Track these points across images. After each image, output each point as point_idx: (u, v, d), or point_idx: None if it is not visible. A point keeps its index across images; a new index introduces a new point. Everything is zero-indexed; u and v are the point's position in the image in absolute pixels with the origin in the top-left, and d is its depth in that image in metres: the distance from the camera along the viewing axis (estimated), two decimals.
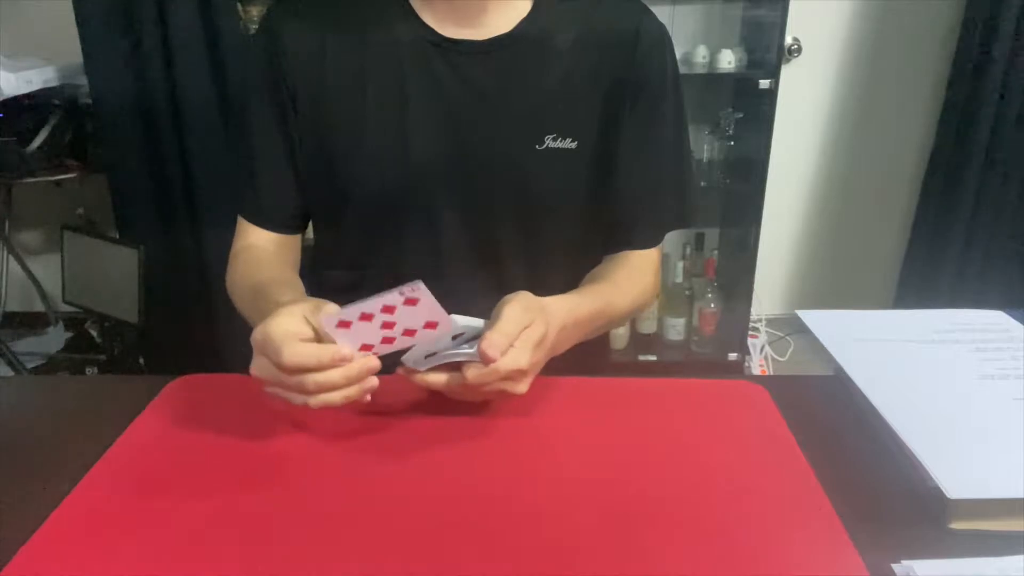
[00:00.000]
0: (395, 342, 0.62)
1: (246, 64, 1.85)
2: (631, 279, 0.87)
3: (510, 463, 0.62)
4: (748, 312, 2.33)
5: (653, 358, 2.36)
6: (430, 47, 0.82)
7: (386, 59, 0.82)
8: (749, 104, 2.18)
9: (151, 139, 1.99)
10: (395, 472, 0.60)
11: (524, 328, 0.64)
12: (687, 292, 2.37)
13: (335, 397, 0.59)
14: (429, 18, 0.82)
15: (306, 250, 0.95)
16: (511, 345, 0.62)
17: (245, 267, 0.86)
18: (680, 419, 0.68)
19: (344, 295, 0.90)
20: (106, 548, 0.52)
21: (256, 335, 0.61)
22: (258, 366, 0.61)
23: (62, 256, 2.12)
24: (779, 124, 2.07)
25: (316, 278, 0.96)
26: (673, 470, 0.60)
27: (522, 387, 0.65)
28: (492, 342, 0.61)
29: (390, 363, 0.64)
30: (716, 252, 2.39)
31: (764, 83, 2.02)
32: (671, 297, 2.36)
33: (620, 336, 2.38)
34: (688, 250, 2.39)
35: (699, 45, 2.17)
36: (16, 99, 1.90)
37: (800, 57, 2.30)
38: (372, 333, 0.60)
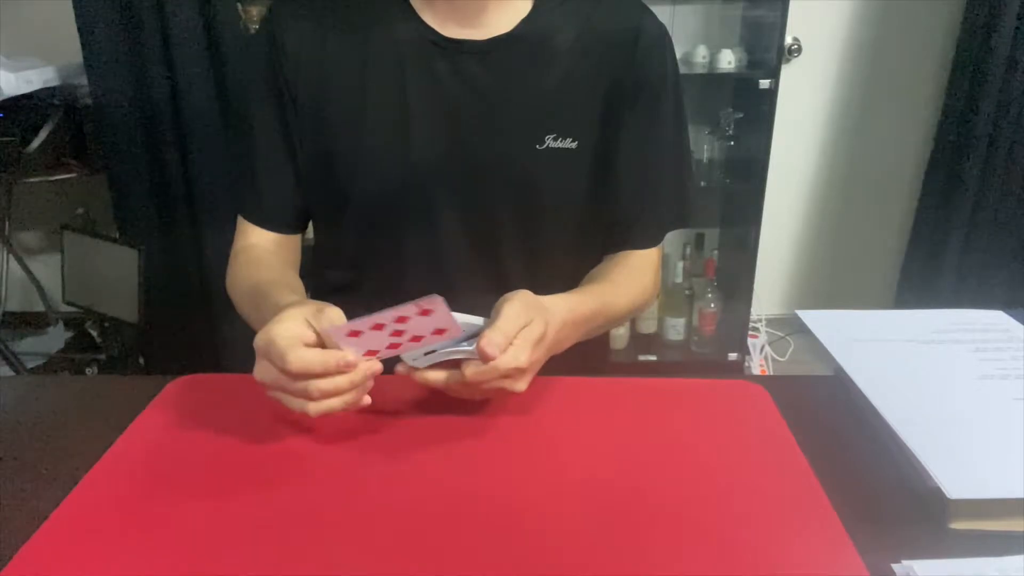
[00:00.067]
0: (401, 347, 0.62)
1: (246, 64, 1.85)
2: (631, 279, 0.88)
3: (510, 463, 0.62)
4: (748, 312, 2.33)
5: (653, 358, 2.36)
6: (430, 47, 0.82)
7: (386, 59, 0.82)
8: (749, 104, 2.18)
9: (151, 139, 1.99)
10: (395, 471, 0.60)
11: (523, 327, 0.64)
12: (687, 292, 2.37)
13: (336, 403, 0.59)
14: (429, 18, 0.82)
15: (306, 250, 0.95)
16: (510, 343, 0.62)
17: (245, 267, 0.86)
18: (680, 419, 0.68)
19: (344, 295, 0.91)
20: (106, 548, 0.52)
21: (259, 340, 0.60)
22: (261, 371, 0.61)
23: (62, 256, 2.12)
24: (779, 124, 2.07)
25: (316, 278, 0.96)
26: (673, 470, 0.60)
27: (521, 385, 0.65)
28: (491, 340, 0.61)
29: (390, 363, 0.64)
30: (716, 252, 2.39)
31: (764, 83, 2.02)
32: (671, 297, 2.36)
33: (620, 336, 2.38)
34: (688, 250, 2.39)
35: (699, 45, 2.17)
36: (16, 99, 1.90)
37: (800, 57, 2.30)
38: (380, 340, 0.61)
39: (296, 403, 0.60)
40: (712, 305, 2.35)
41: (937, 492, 0.53)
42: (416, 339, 0.62)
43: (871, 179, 2.48)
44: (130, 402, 0.70)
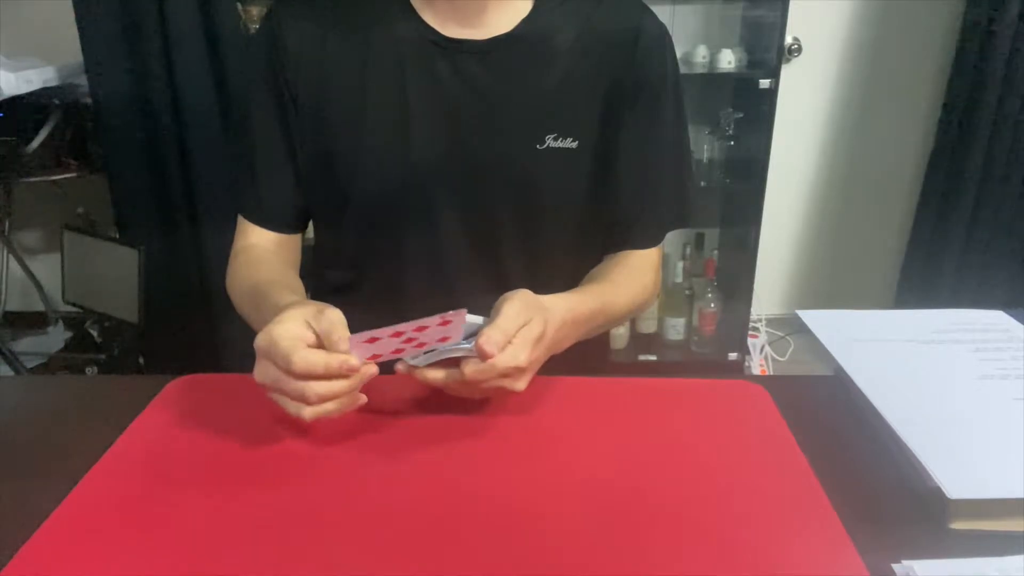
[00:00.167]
0: (404, 352, 0.62)
1: (246, 64, 1.85)
2: (631, 278, 0.88)
3: (510, 462, 0.62)
4: (748, 312, 2.33)
5: (653, 358, 2.36)
6: (431, 46, 0.82)
7: (387, 58, 0.82)
8: (749, 104, 2.18)
9: (151, 139, 1.99)
10: (395, 471, 0.60)
11: (522, 325, 0.64)
12: (687, 292, 2.37)
13: (331, 407, 0.59)
14: (430, 17, 0.82)
15: (306, 250, 0.95)
16: (508, 342, 0.62)
17: (245, 267, 0.86)
18: (680, 419, 0.68)
19: (344, 295, 0.91)
20: (106, 548, 0.52)
21: (260, 341, 0.60)
22: (260, 371, 0.61)
23: (62, 256, 2.12)
24: (779, 124, 2.07)
25: (316, 278, 0.96)
26: (673, 470, 0.60)
27: (520, 385, 0.65)
28: (489, 338, 0.61)
29: (390, 362, 0.64)
30: (716, 252, 2.39)
31: (764, 83, 2.02)
32: (671, 297, 2.36)
33: (620, 336, 2.38)
34: (688, 250, 2.39)
35: (699, 45, 2.17)
36: (16, 99, 1.90)
37: (800, 57, 2.30)
38: (389, 345, 0.61)
39: (292, 406, 0.59)
40: (712, 305, 2.35)
41: (937, 492, 0.53)
42: (421, 344, 0.62)
43: (871, 179, 2.48)
44: (130, 402, 0.70)
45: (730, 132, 2.28)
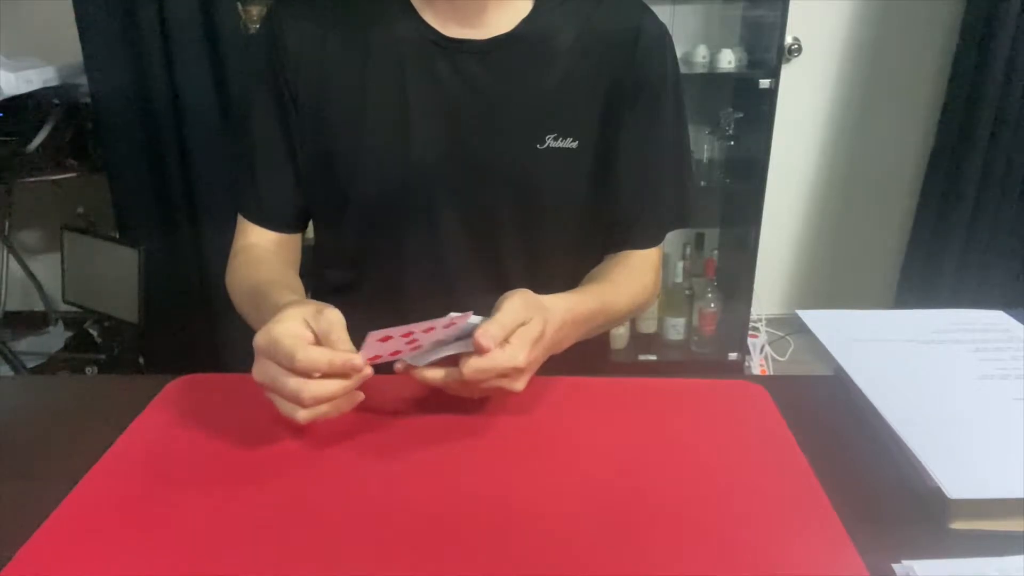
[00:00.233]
0: (402, 353, 0.62)
1: (246, 64, 1.85)
2: (631, 278, 0.88)
3: (510, 462, 0.61)
4: (748, 312, 2.33)
5: (653, 358, 2.36)
6: (431, 46, 0.82)
7: (387, 58, 0.82)
8: (749, 104, 2.18)
9: (151, 139, 1.99)
10: (395, 471, 0.60)
11: (522, 323, 0.64)
12: (687, 292, 2.37)
13: (326, 409, 0.59)
14: (430, 17, 0.82)
15: (306, 250, 0.95)
16: (506, 338, 0.62)
17: (245, 267, 0.86)
18: (680, 419, 0.68)
19: (344, 295, 0.91)
20: (106, 548, 0.52)
21: (260, 339, 0.60)
22: (259, 370, 0.60)
23: (62, 256, 2.12)
24: (779, 124, 2.07)
25: (316, 278, 0.96)
26: (673, 470, 0.60)
27: (519, 385, 0.65)
28: (486, 331, 0.61)
29: (388, 362, 0.64)
30: (716, 252, 2.39)
31: (764, 83, 2.03)
32: (671, 297, 2.36)
33: (620, 336, 2.38)
34: (688, 250, 2.39)
35: (699, 45, 2.17)
36: (16, 99, 1.90)
37: (800, 57, 2.30)
38: (397, 345, 0.61)
39: (287, 407, 0.59)
40: (712, 305, 2.35)
41: (937, 492, 0.53)
42: (416, 347, 0.62)
43: (871, 179, 2.48)
44: (130, 402, 0.70)
45: (730, 132, 2.28)
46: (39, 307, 2.49)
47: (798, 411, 0.68)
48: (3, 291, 2.38)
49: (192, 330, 2.11)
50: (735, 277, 2.34)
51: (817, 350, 0.73)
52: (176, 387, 0.73)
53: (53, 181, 2.02)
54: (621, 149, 0.86)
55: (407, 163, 0.82)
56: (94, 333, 2.30)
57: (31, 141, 1.91)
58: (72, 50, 1.91)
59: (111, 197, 2.05)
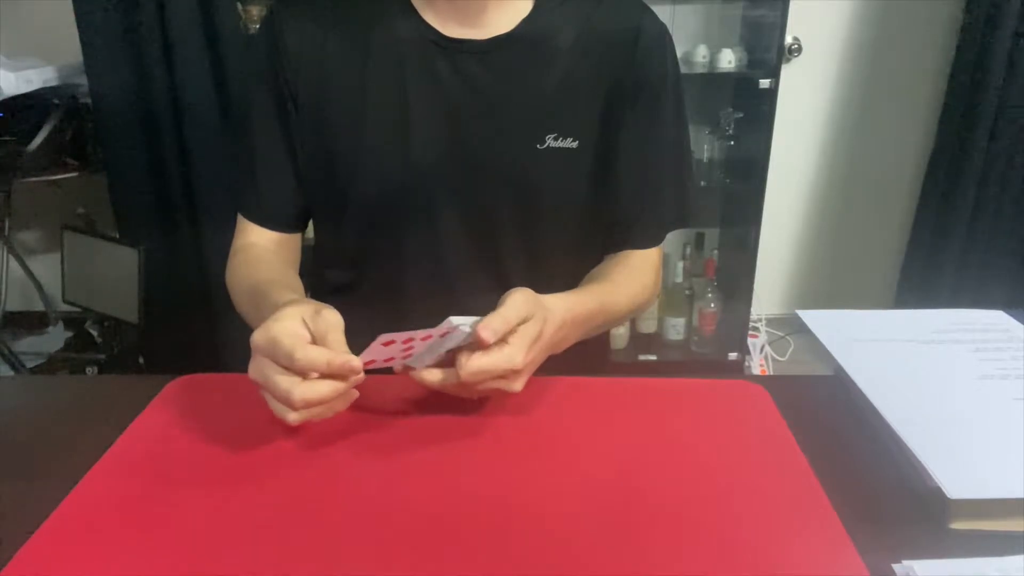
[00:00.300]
0: (394, 361, 0.62)
1: (246, 64, 1.85)
2: (631, 278, 0.88)
3: (509, 462, 0.61)
4: (748, 312, 2.33)
5: (653, 358, 2.36)
6: (431, 46, 0.82)
7: (387, 58, 0.82)
8: (749, 104, 2.18)
9: (151, 139, 1.99)
10: (394, 471, 0.60)
11: (524, 318, 0.64)
12: (687, 292, 2.37)
13: (319, 411, 0.59)
14: (431, 17, 0.82)
15: (306, 250, 0.95)
16: (508, 332, 0.62)
17: (245, 266, 0.86)
18: (680, 419, 0.68)
19: (344, 295, 0.91)
20: (106, 548, 0.52)
21: (258, 337, 0.60)
22: (256, 368, 0.60)
23: (62, 256, 2.12)
24: (779, 124, 2.07)
25: (316, 278, 0.96)
26: (673, 470, 0.60)
27: (517, 386, 0.65)
28: (488, 325, 0.61)
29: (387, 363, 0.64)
30: (716, 252, 2.39)
31: (764, 83, 2.03)
32: (671, 297, 2.36)
33: (620, 336, 2.38)
34: (688, 250, 2.39)
35: (699, 45, 2.17)
36: (16, 99, 1.90)
37: (800, 57, 2.30)
38: (395, 351, 0.61)
39: (279, 408, 0.59)
40: (712, 305, 2.35)
41: (937, 492, 0.53)
42: (409, 355, 0.62)
43: (871, 179, 2.48)
44: (130, 402, 0.70)
45: (730, 132, 2.28)
46: (39, 307, 2.49)
47: (798, 411, 0.68)
48: (3, 291, 2.38)
49: (192, 330, 2.11)
50: (735, 277, 2.34)
51: (817, 350, 0.73)
52: (176, 387, 0.73)
53: (53, 181, 2.02)
54: (621, 149, 0.86)
55: (407, 163, 0.82)
56: (94, 333, 2.30)
57: (31, 141, 1.91)
58: (72, 50, 1.91)
59: (111, 197, 2.05)
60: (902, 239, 2.43)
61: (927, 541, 0.53)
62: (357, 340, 0.61)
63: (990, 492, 0.53)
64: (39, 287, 2.43)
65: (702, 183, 2.24)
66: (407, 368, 0.65)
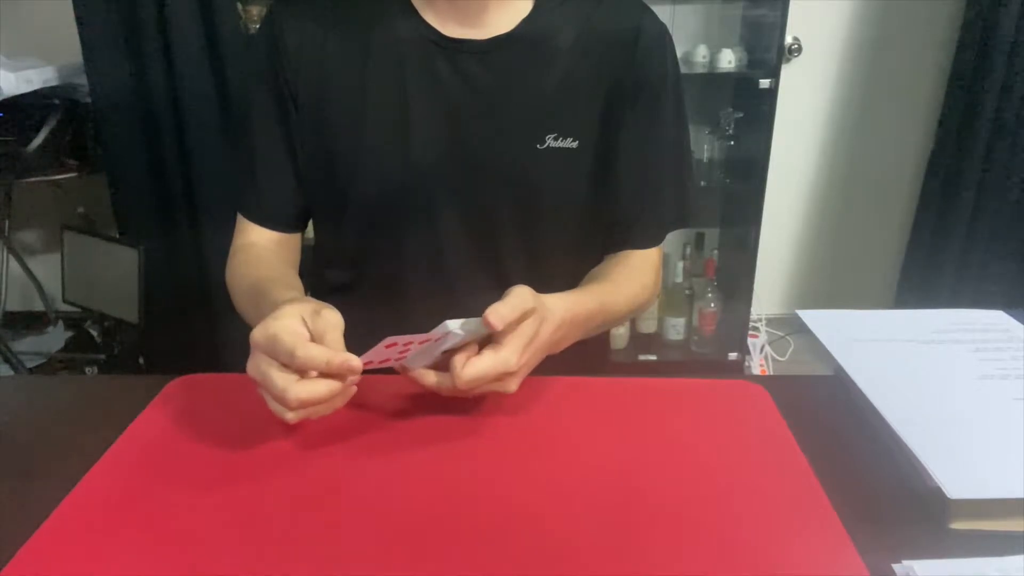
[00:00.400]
0: (390, 361, 0.62)
1: (246, 64, 1.86)
2: (631, 278, 0.87)
3: (509, 462, 0.61)
4: (748, 312, 2.33)
5: (653, 358, 2.36)
6: (431, 46, 0.82)
7: (387, 58, 0.82)
8: (749, 104, 2.18)
9: (151, 139, 1.99)
10: (394, 471, 0.60)
11: (531, 308, 0.64)
12: (687, 292, 2.37)
13: (318, 410, 0.59)
14: (431, 17, 0.82)
15: (306, 250, 0.95)
16: (516, 318, 0.62)
17: (245, 265, 0.86)
18: (680, 419, 0.68)
19: (344, 295, 0.91)
20: (106, 548, 0.52)
21: (258, 335, 0.59)
22: (254, 365, 0.60)
23: (62, 256, 2.12)
24: (779, 124, 2.07)
25: (316, 277, 0.96)
26: (673, 470, 0.60)
27: (512, 386, 0.65)
28: (496, 311, 0.61)
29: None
30: (716, 252, 2.39)
31: (764, 83, 2.02)
32: (671, 297, 2.36)
33: (620, 336, 2.38)
34: (688, 250, 2.39)
35: (699, 45, 2.17)
36: (16, 99, 1.90)
37: (800, 57, 2.30)
38: (395, 352, 0.61)
39: (276, 406, 0.59)
40: (712, 305, 2.35)
41: (937, 492, 0.53)
42: (403, 357, 0.62)
43: (871, 179, 2.48)
44: (130, 402, 0.70)
45: (730, 132, 2.28)
46: (39, 307, 2.49)
47: (798, 411, 0.68)
48: (3, 291, 2.38)
49: (192, 330, 2.11)
50: (735, 277, 2.34)
51: (817, 350, 0.73)
52: (176, 387, 0.73)
53: (53, 181, 2.02)
54: (621, 149, 0.86)
55: (407, 163, 0.82)
56: (94, 333, 2.30)
57: (31, 141, 1.91)
58: (72, 50, 1.91)
59: (111, 197, 2.05)
60: (902, 239, 2.43)
61: (927, 541, 0.53)
62: (357, 340, 0.61)
63: (990, 492, 0.53)
64: (39, 287, 2.44)
65: (702, 183, 2.24)
66: (404, 368, 0.65)
